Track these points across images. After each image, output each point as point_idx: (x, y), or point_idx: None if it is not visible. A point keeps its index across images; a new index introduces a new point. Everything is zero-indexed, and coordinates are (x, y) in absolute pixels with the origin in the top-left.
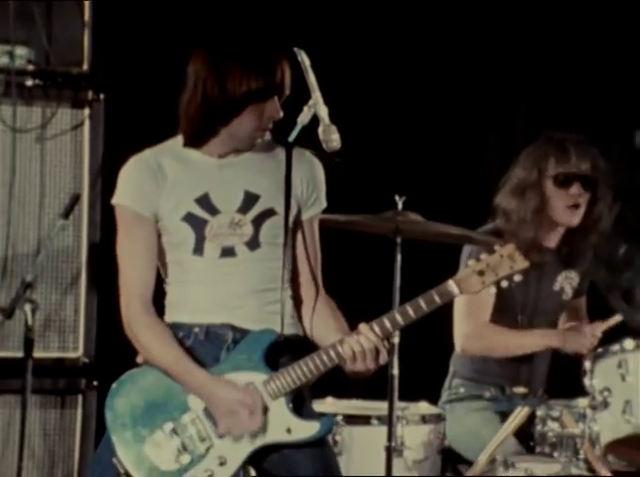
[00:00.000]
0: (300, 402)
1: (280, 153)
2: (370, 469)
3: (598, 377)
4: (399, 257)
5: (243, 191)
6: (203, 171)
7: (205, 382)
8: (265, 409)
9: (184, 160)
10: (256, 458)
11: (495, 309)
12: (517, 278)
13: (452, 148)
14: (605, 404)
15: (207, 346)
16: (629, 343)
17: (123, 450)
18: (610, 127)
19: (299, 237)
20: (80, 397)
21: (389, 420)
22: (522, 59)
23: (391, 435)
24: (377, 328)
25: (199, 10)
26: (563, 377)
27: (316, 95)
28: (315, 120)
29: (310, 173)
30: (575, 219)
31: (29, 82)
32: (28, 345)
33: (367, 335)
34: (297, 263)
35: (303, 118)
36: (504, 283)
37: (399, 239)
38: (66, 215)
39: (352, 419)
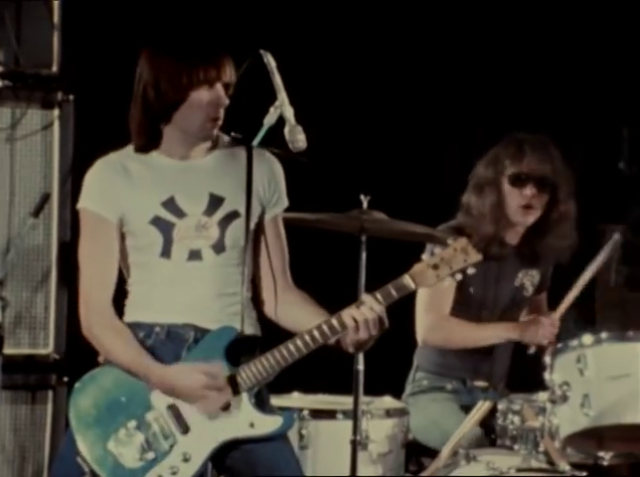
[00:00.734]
0: (263, 397)
1: (241, 154)
2: (335, 462)
3: (558, 371)
4: (363, 255)
5: (208, 193)
6: (167, 174)
7: (164, 374)
8: (227, 404)
9: (149, 164)
10: (218, 455)
11: (456, 303)
12: (470, 271)
13: (415, 149)
14: (564, 398)
15: (168, 345)
16: (587, 338)
17: (87, 449)
18: (571, 127)
19: (265, 236)
20: (50, 393)
21: (354, 415)
22: (484, 61)
23: (356, 429)
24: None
25: (167, 12)
26: (524, 371)
27: (282, 96)
28: (281, 121)
29: (270, 172)
30: (529, 218)
31: None
32: None
33: (371, 305)
34: (265, 262)
35: (270, 119)
36: (458, 276)
37: (363, 237)
38: (36, 213)
39: (318, 414)
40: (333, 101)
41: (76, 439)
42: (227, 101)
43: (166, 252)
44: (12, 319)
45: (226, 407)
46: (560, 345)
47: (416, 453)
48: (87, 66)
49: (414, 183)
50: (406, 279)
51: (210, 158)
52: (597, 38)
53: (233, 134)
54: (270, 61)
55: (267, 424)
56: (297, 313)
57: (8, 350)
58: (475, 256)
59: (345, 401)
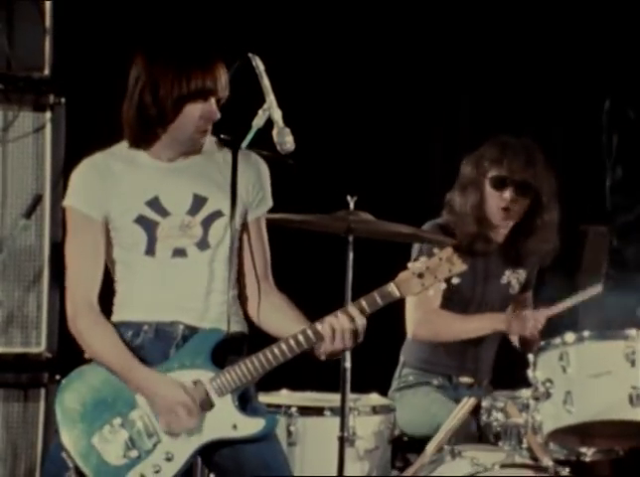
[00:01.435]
0: (247, 400)
1: (227, 156)
2: (323, 459)
3: (541, 369)
4: (350, 255)
5: (192, 194)
6: (153, 175)
7: (146, 379)
8: (211, 406)
9: (134, 164)
10: (207, 452)
11: (444, 299)
12: (455, 281)
13: (400, 151)
14: (547, 395)
15: (156, 343)
16: (570, 336)
17: (72, 444)
18: (556, 128)
19: (247, 237)
20: (42, 391)
21: (341, 411)
22: (467, 62)
23: (343, 426)
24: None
25: (158, 16)
26: (508, 369)
27: (270, 99)
28: (270, 123)
29: (256, 174)
30: (508, 221)
31: None
32: None
33: (353, 314)
34: (247, 262)
35: (258, 121)
36: (443, 285)
37: (350, 238)
38: (28, 215)
39: (306, 411)
40: (320, 104)
41: (61, 434)
42: (218, 116)
43: (150, 250)
44: (4, 318)
45: (209, 408)
46: (542, 343)
47: (403, 449)
48: (79, 69)
49: (400, 184)
50: (392, 287)
51: (195, 159)
52: (584, 39)
53: (221, 136)
54: (259, 64)
55: (250, 426)
56: (276, 318)
57: (0, 349)
58: (460, 266)
59: (332, 399)
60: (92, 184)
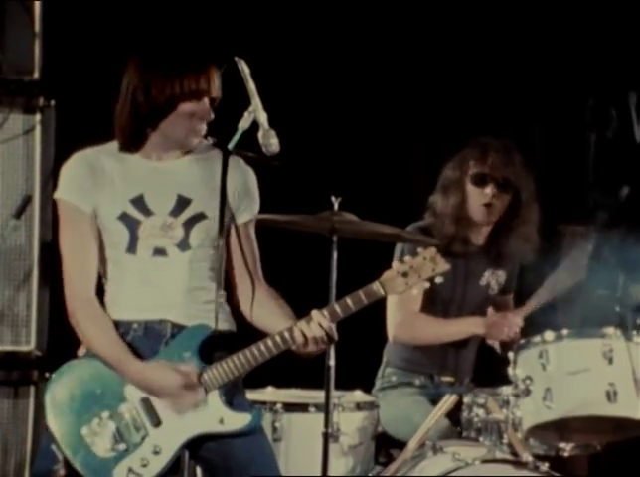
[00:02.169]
0: (234, 394)
1: (216, 158)
2: (308, 454)
3: (521, 366)
4: (334, 255)
5: (176, 195)
6: (140, 173)
7: (141, 369)
8: (199, 403)
9: (123, 161)
10: (194, 445)
11: (425, 301)
12: (438, 280)
13: (383, 152)
14: (527, 392)
15: (145, 341)
16: (549, 334)
17: (61, 437)
18: (529, 130)
19: (234, 239)
20: (32, 388)
21: (325, 408)
22: (446, 67)
23: (327, 422)
24: (327, 314)
25: (145, 20)
26: (488, 366)
27: (256, 102)
28: (255, 125)
29: (242, 182)
30: (490, 217)
31: None
32: None
33: (319, 321)
34: (237, 263)
35: (244, 124)
36: (426, 285)
37: (335, 238)
38: (18, 215)
39: (291, 407)
40: (305, 107)
41: (50, 428)
42: (212, 116)
43: (132, 249)
44: None
45: (196, 404)
46: (522, 341)
47: (386, 445)
48: (68, 72)
49: (383, 185)
50: (376, 286)
51: (184, 160)
52: (565, 39)
53: (208, 138)
54: (245, 67)
55: (236, 421)
56: (262, 313)
57: None
58: (443, 266)
59: (317, 396)
60: (82, 177)
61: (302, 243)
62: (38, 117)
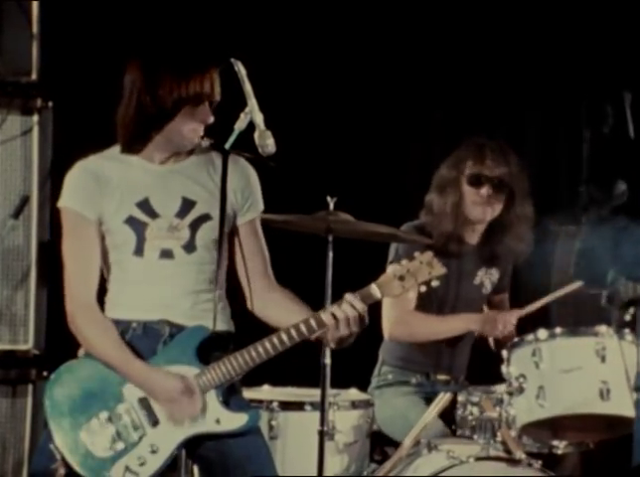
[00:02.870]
0: (231, 394)
1: (217, 160)
2: (304, 452)
3: (514, 364)
4: (330, 255)
5: (181, 197)
6: (144, 177)
7: (145, 372)
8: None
9: (126, 166)
10: (191, 444)
11: (420, 299)
12: (434, 284)
13: (379, 154)
14: (521, 390)
15: (144, 340)
16: (542, 333)
17: (60, 437)
18: (523, 131)
19: (241, 238)
20: (30, 387)
21: (321, 406)
22: (441, 67)
23: (323, 420)
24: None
25: (143, 22)
26: (482, 365)
27: (252, 103)
28: (251, 126)
29: (244, 180)
30: (486, 216)
31: None
32: None
33: (352, 302)
34: (247, 262)
35: (240, 124)
36: (422, 288)
37: (330, 238)
38: (16, 215)
39: (287, 405)
40: (301, 107)
41: (50, 427)
42: (212, 119)
43: (139, 251)
44: None
45: (193, 417)
46: (516, 339)
47: (381, 443)
48: (66, 73)
49: (379, 186)
50: (373, 289)
51: (186, 163)
52: (559, 41)
53: (204, 139)
54: (241, 69)
55: (233, 421)
56: (281, 313)
57: None
58: (439, 270)
59: (313, 394)
60: (86, 185)
61: (298, 244)
62: (35, 118)
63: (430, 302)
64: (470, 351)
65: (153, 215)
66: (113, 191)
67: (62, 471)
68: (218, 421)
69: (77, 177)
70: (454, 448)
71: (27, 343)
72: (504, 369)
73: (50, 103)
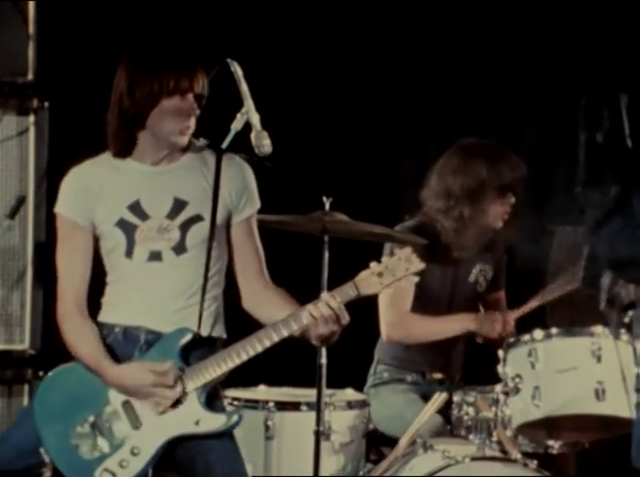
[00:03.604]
0: (211, 396)
1: (211, 159)
2: (300, 452)
3: (510, 364)
4: (326, 255)
5: (173, 197)
6: (136, 179)
7: (117, 374)
8: (178, 402)
9: (120, 170)
10: (171, 447)
11: (416, 299)
12: (415, 280)
13: (374, 154)
14: (516, 390)
15: (123, 345)
16: (538, 333)
17: (49, 441)
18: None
19: (235, 238)
20: (26, 387)
21: (317, 406)
22: (435, 67)
23: (319, 420)
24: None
25: (140, 22)
26: (478, 365)
27: (248, 103)
28: (248, 127)
29: (240, 178)
30: (502, 222)
31: None
32: None
33: (327, 301)
34: (240, 262)
35: (236, 125)
36: (415, 279)
37: (326, 238)
38: (12, 215)
39: (283, 405)
40: (297, 108)
41: (39, 431)
42: (197, 111)
43: (129, 253)
44: None
45: (175, 404)
46: (512, 339)
47: (377, 443)
48: (62, 74)
49: (374, 186)
50: (349, 287)
51: (179, 163)
52: (556, 41)
53: (200, 140)
54: (237, 69)
55: (212, 422)
56: (275, 312)
57: None
58: (417, 265)
59: (309, 394)
60: (79, 191)
61: (294, 244)
62: (32, 119)
63: (427, 302)
64: (465, 350)
65: (144, 216)
66: (106, 196)
67: (48, 474)
68: (197, 423)
69: (69, 183)
70: (450, 448)
71: (23, 343)
72: (500, 369)
73: (46, 104)
